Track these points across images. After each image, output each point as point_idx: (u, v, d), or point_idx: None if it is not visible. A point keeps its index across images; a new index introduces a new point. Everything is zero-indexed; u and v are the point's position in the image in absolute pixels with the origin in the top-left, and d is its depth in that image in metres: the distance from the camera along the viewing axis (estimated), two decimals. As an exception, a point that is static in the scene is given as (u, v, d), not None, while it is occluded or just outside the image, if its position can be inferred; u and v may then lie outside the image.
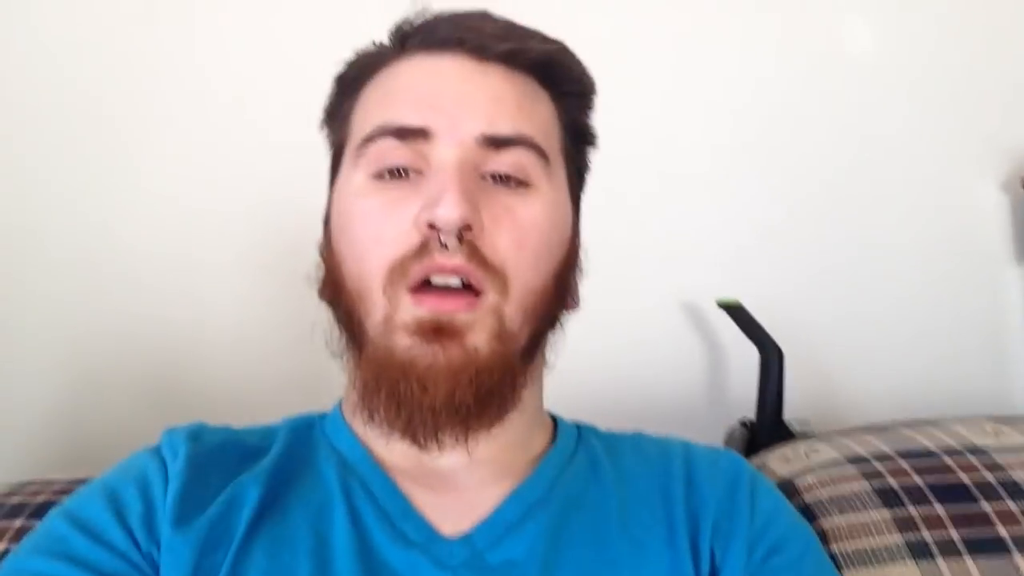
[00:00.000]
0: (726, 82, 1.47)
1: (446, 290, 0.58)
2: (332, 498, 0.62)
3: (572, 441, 0.70)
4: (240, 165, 1.37)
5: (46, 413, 1.32)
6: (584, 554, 0.61)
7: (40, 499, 0.84)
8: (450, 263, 0.57)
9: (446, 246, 0.57)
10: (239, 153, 1.37)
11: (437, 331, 0.57)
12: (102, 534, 0.57)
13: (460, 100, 0.61)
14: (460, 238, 0.57)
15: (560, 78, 0.66)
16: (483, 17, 0.65)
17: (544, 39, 0.66)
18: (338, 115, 0.69)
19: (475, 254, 0.58)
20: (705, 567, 0.62)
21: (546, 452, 0.68)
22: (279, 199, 1.35)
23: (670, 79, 1.44)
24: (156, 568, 0.57)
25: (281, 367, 1.34)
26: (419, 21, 0.65)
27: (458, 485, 0.63)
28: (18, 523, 0.81)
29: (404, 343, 0.58)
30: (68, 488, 0.85)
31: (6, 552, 0.77)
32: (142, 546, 0.57)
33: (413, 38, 0.64)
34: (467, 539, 0.61)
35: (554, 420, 0.73)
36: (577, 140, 0.69)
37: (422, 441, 0.60)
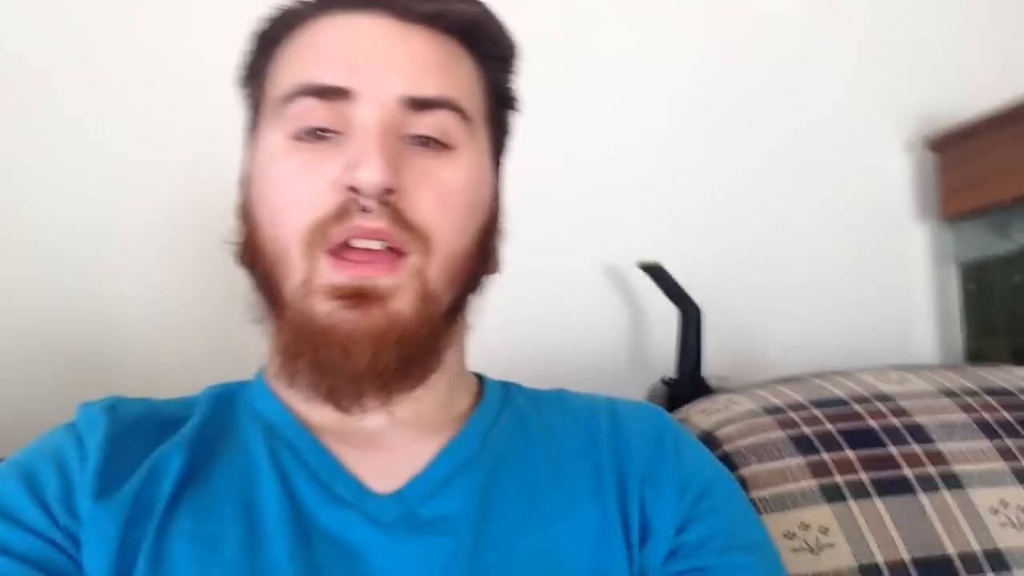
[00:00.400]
0: (652, 49, 1.49)
1: (367, 252, 0.57)
2: (258, 463, 0.61)
3: (498, 399, 0.71)
4: (156, 125, 1.33)
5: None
6: (515, 508, 0.62)
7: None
8: (371, 225, 0.57)
9: (367, 210, 0.56)
10: (155, 113, 1.33)
11: (358, 296, 0.57)
12: (17, 514, 0.55)
13: (382, 60, 0.60)
14: (382, 202, 0.57)
15: (483, 41, 0.66)
16: None
17: (468, 1, 0.65)
18: (256, 73, 0.66)
19: (397, 217, 0.57)
20: (635, 517, 0.63)
21: (473, 410, 0.69)
22: (195, 160, 1.32)
23: (598, 46, 1.45)
24: (77, 545, 0.55)
25: (197, 337, 1.31)
26: None
27: (385, 443, 0.63)
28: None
29: (324, 308, 0.57)
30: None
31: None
32: (60, 523, 0.55)
33: None
34: (399, 495, 0.61)
35: (480, 379, 0.74)
36: (500, 104, 0.69)
37: (345, 406, 0.60)
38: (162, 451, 0.60)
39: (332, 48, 0.61)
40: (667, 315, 1.34)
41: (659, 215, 1.46)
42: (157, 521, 0.56)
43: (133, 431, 0.61)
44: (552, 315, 1.39)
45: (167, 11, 1.35)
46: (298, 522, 0.58)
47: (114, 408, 0.63)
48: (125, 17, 1.34)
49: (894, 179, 1.55)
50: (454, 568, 0.58)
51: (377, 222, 0.57)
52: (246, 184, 0.66)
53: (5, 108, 1.30)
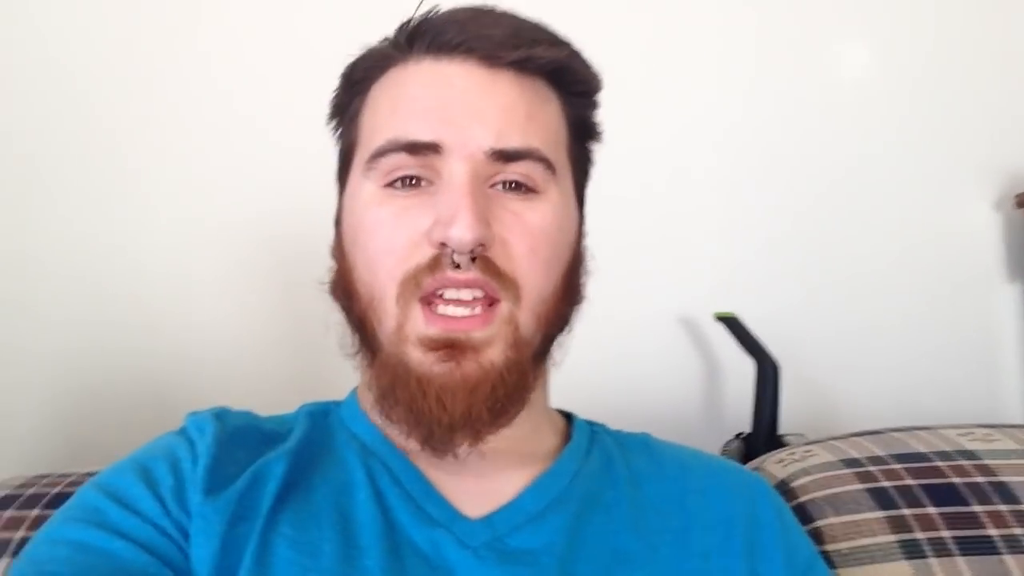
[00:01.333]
0: (731, 102, 1.50)
1: (459, 302, 0.59)
2: (354, 478, 0.64)
3: (586, 438, 0.72)
4: (238, 174, 1.40)
5: (44, 420, 1.33)
6: (600, 550, 0.63)
7: (56, 491, 0.85)
8: (463, 277, 0.59)
9: (459, 266, 0.58)
10: (237, 162, 1.40)
11: (451, 347, 0.59)
12: (134, 504, 0.59)
13: (470, 112, 0.61)
14: (473, 256, 0.59)
15: (568, 81, 0.67)
16: (492, 19, 0.65)
17: (553, 42, 0.66)
18: (346, 112, 0.69)
19: (488, 267, 0.59)
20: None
21: (562, 447, 0.70)
22: (277, 209, 1.38)
23: (676, 96, 1.47)
24: (186, 537, 0.58)
25: (274, 379, 1.35)
26: (427, 22, 0.65)
27: (474, 471, 0.64)
28: (35, 513, 0.83)
29: (418, 357, 0.59)
30: (82, 480, 0.86)
31: (24, 540, 0.79)
32: (173, 515, 0.58)
33: (421, 39, 0.64)
34: (488, 521, 0.63)
35: (568, 417, 0.75)
36: (582, 136, 0.70)
37: (440, 452, 0.62)
38: (266, 459, 0.63)
39: (420, 100, 0.62)
40: (742, 367, 1.33)
41: (737, 266, 1.46)
42: (261, 524, 0.59)
43: (238, 438, 0.65)
44: (626, 364, 1.39)
45: (240, 59, 1.42)
46: (391, 538, 0.60)
47: (221, 417, 0.66)
48: (200, 65, 1.41)
49: (983, 237, 1.52)
50: None
51: (468, 274, 0.59)
52: (340, 225, 0.68)
53: (101, 162, 1.38)
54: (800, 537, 0.70)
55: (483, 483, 0.65)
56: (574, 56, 0.67)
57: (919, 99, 1.53)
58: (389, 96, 0.65)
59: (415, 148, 0.61)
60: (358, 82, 0.68)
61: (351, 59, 0.69)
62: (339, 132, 0.71)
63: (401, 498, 0.63)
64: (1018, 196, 1.48)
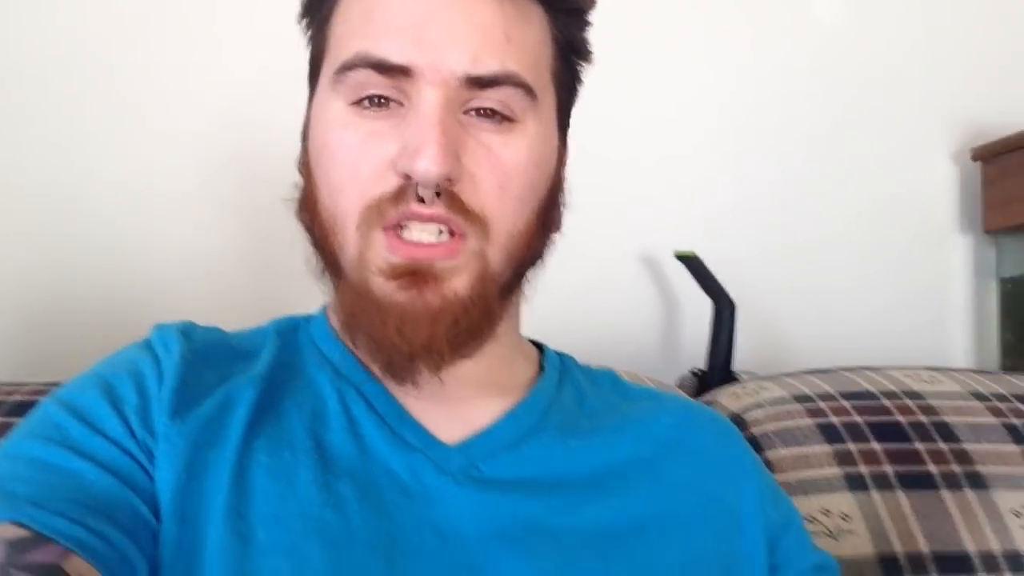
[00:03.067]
0: (699, 48, 1.50)
1: (421, 244, 0.58)
2: (326, 403, 0.63)
3: (557, 370, 0.71)
4: (205, 87, 1.37)
5: (4, 330, 1.32)
6: (576, 479, 0.63)
7: (14, 399, 0.85)
8: (427, 211, 0.57)
9: (423, 200, 0.56)
10: (205, 74, 1.37)
11: (413, 275, 0.57)
12: (98, 423, 0.57)
13: (445, 31, 0.58)
14: (438, 191, 0.57)
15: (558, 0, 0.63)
16: None
17: None
18: (317, 12, 0.66)
19: (454, 202, 0.57)
20: (714, 507, 0.65)
21: (535, 377, 0.70)
22: (245, 123, 1.35)
23: (652, 41, 1.46)
24: (151, 458, 0.57)
25: (239, 298, 1.35)
26: None
27: (447, 397, 0.64)
28: (-6, 420, 0.82)
29: (379, 285, 0.58)
30: (41, 390, 0.86)
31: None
32: (138, 436, 0.57)
33: None
34: (463, 448, 0.62)
35: (540, 348, 0.75)
36: (569, 56, 0.67)
37: (399, 379, 0.61)
38: (235, 383, 0.61)
39: (394, 14, 0.59)
40: (700, 307, 1.35)
41: (698, 207, 1.47)
42: (234, 452, 0.57)
43: (206, 356, 0.63)
44: (586, 300, 1.40)
45: None
46: (366, 463, 0.60)
47: (188, 333, 0.65)
48: None
49: (938, 188, 1.55)
50: (517, 527, 0.59)
51: (433, 208, 0.57)
52: (306, 139, 0.66)
53: (48, 83, 1.34)
54: (766, 475, 0.72)
55: (457, 409, 0.64)
56: None
57: (883, 51, 1.54)
58: (361, 3, 0.61)
59: (384, 68, 0.58)
60: None
61: None
62: (309, 33, 0.67)
63: (375, 424, 0.62)
64: (974, 149, 1.51)
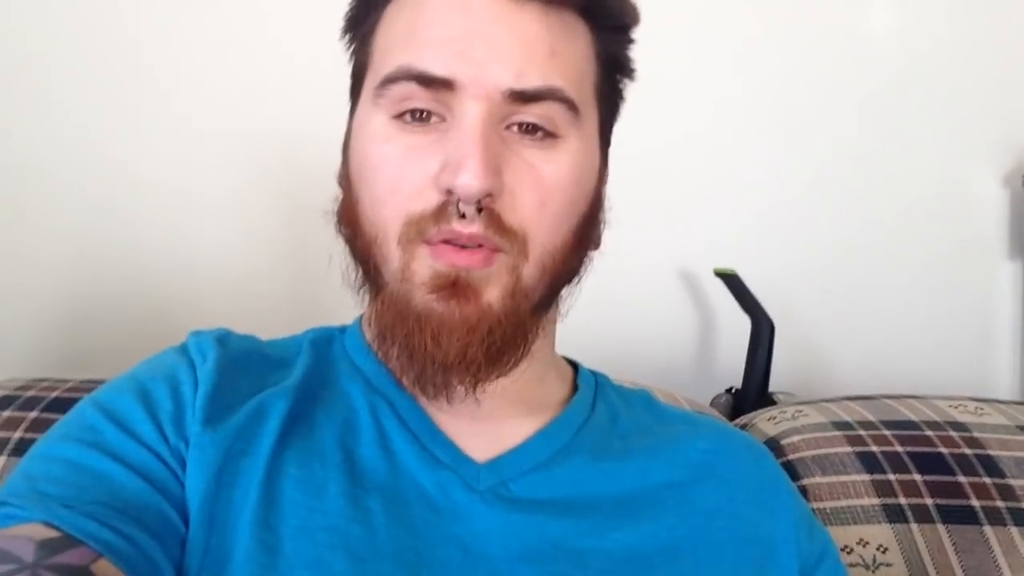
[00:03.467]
0: (743, 59, 1.48)
1: (462, 248, 0.57)
2: (358, 415, 0.63)
3: (591, 389, 0.71)
4: (251, 92, 1.38)
5: (40, 327, 1.34)
6: (605, 504, 0.62)
7: (54, 395, 0.86)
8: (467, 231, 0.56)
9: (464, 216, 0.56)
10: (251, 79, 1.38)
11: (454, 286, 0.57)
12: (132, 427, 0.58)
13: (489, 45, 0.57)
14: (479, 207, 0.56)
15: (602, 15, 0.63)
16: None
17: None
18: (360, 28, 0.66)
19: (493, 220, 0.57)
20: (743, 534, 0.64)
21: (569, 396, 0.69)
22: (288, 130, 1.36)
23: (689, 54, 1.45)
24: (183, 464, 0.57)
25: (278, 302, 1.36)
26: None
27: (479, 414, 0.64)
28: (33, 415, 0.84)
29: (420, 295, 0.58)
30: (80, 387, 0.87)
31: (21, 440, 0.80)
32: (171, 442, 0.57)
33: None
34: (493, 466, 0.62)
35: (574, 366, 0.74)
36: (613, 73, 0.67)
37: (432, 393, 0.61)
38: (269, 394, 0.61)
39: (437, 29, 0.59)
40: (738, 324, 1.33)
41: (738, 225, 1.46)
42: (265, 462, 0.58)
43: (241, 365, 0.63)
44: (624, 312, 1.40)
45: None
46: (395, 479, 0.60)
47: (224, 340, 0.65)
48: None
49: (988, 212, 1.51)
50: (544, 548, 0.59)
51: (472, 227, 0.56)
52: (347, 152, 0.66)
53: (99, 84, 1.36)
54: (802, 502, 0.70)
55: (488, 427, 0.64)
56: None
57: (936, 69, 1.51)
58: (405, 18, 0.61)
59: (427, 81, 0.57)
60: None
61: None
62: (352, 48, 0.67)
63: (407, 439, 0.62)
64: (1025, 173, 1.48)
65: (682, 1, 1.44)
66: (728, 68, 1.48)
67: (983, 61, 1.52)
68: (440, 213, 0.57)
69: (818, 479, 0.85)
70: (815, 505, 0.83)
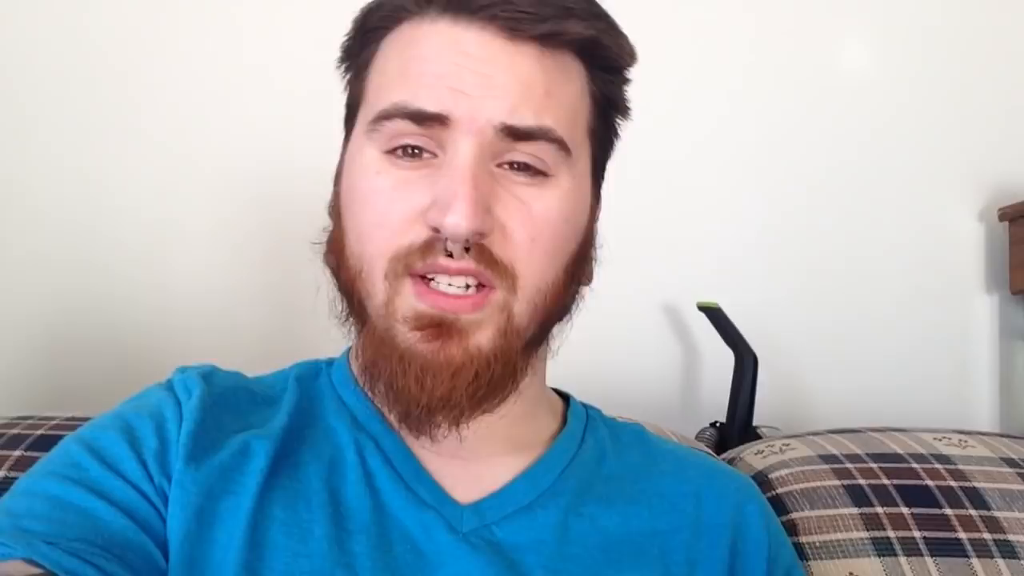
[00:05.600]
0: (723, 98, 1.50)
1: (449, 295, 0.57)
2: (344, 454, 0.62)
3: (581, 425, 0.70)
4: (238, 121, 1.38)
5: (21, 361, 1.32)
6: (591, 547, 0.62)
7: (38, 432, 0.85)
8: (455, 265, 0.56)
9: (451, 255, 0.56)
10: (238, 109, 1.38)
11: (438, 327, 0.57)
12: (116, 464, 0.57)
13: (483, 83, 0.57)
14: (467, 246, 0.56)
15: (598, 57, 0.63)
16: None
17: (585, 15, 0.60)
18: (356, 60, 0.66)
19: (483, 255, 0.57)
20: None
21: (558, 431, 0.69)
22: (275, 161, 1.36)
23: (668, 89, 1.46)
24: (166, 501, 0.57)
25: (256, 335, 1.35)
26: None
27: (464, 454, 0.63)
28: (17, 453, 0.82)
29: (404, 333, 0.57)
30: (66, 424, 0.86)
31: (4, 479, 0.79)
32: (155, 479, 0.57)
33: None
34: (477, 508, 0.62)
35: (566, 400, 0.74)
36: (608, 112, 0.67)
37: (415, 431, 0.61)
38: (254, 434, 0.61)
39: (432, 64, 0.58)
40: (721, 358, 1.34)
41: (721, 259, 1.47)
42: (251, 504, 0.57)
43: (226, 402, 0.63)
44: (608, 347, 1.40)
45: (235, 23, 1.40)
46: (380, 521, 0.59)
47: (209, 377, 0.65)
48: (196, 29, 1.40)
49: (965, 247, 1.54)
50: None
51: (461, 263, 0.56)
52: (339, 183, 0.65)
53: (83, 112, 1.36)
54: (784, 545, 0.70)
55: (473, 467, 0.64)
56: (606, 33, 0.62)
57: (913, 104, 1.55)
58: (400, 55, 0.61)
59: (420, 118, 0.57)
60: (370, 31, 0.64)
61: (365, 5, 0.65)
62: (347, 78, 0.68)
63: (392, 479, 0.61)
64: (1001, 209, 1.50)
65: (665, 40, 1.46)
66: (709, 106, 1.50)
67: (957, 98, 1.55)
68: (427, 249, 0.57)
69: (807, 513, 0.85)
70: (804, 539, 0.83)
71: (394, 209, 0.58)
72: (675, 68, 1.48)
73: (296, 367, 0.70)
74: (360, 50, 0.65)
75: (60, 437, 0.61)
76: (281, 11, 1.40)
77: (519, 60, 0.58)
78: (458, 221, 0.54)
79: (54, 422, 0.87)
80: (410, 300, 0.57)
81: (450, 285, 0.57)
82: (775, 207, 1.49)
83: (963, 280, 1.53)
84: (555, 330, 0.65)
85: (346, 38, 0.67)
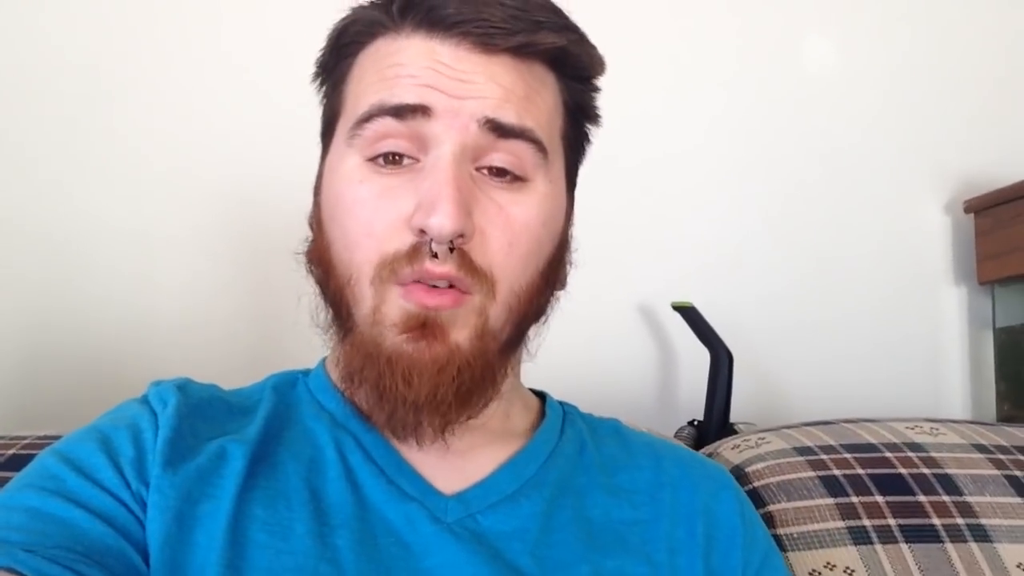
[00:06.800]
0: (699, 99, 1.52)
1: (433, 288, 0.58)
2: (323, 453, 0.63)
3: (559, 419, 0.72)
4: (212, 132, 1.38)
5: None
6: (573, 535, 0.63)
7: (10, 452, 0.84)
8: (439, 270, 0.57)
9: (436, 256, 0.57)
10: (212, 120, 1.38)
11: (423, 327, 0.58)
12: (94, 473, 0.57)
13: (463, 87, 0.59)
14: (451, 247, 0.57)
15: (569, 67, 0.65)
16: None
17: (556, 27, 0.62)
18: (331, 75, 0.67)
19: (464, 261, 0.58)
20: (695, 569, 0.64)
21: (535, 427, 0.70)
22: (250, 173, 1.36)
23: (642, 92, 1.48)
24: (144, 508, 0.57)
25: (233, 346, 1.34)
26: None
27: (446, 447, 0.64)
28: (-11, 472, 0.81)
29: (390, 337, 0.58)
30: (37, 443, 0.85)
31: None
32: (132, 486, 0.57)
33: (415, 11, 0.60)
34: (461, 498, 0.62)
35: (542, 397, 0.75)
36: (579, 119, 0.69)
37: (402, 434, 0.61)
38: (230, 439, 0.61)
39: (410, 71, 0.60)
40: (697, 357, 1.35)
41: (693, 258, 1.48)
42: (230, 506, 0.58)
43: (201, 411, 0.64)
44: (584, 349, 1.40)
45: (212, 31, 1.40)
46: (362, 515, 0.60)
47: (184, 388, 0.65)
48: (171, 36, 1.39)
49: (932, 239, 1.56)
50: None
51: (444, 267, 0.57)
52: (319, 195, 0.66)
53: (54, 121, 1.35)
54: (759, 530, 0.71)
55: (455, 460, 0.64)
56: (576, 43, 0.64)
57: (876, 101, 1.57)
58: (376, 64, 0.62)
59: (402, 111, 0.58)
60: (345, 46, 0.65)
61: (340, 19, 0.66)
62: (323, 92, 0.69)
63: (373, 474, 0.62)
64: (967, 201, 1.53)
65: (636, 48, 1.48)
66: (682, 107, 1.51)
67: (922, 93, 1.58)
68: (414, 254, 0.58)
69: (784, 504, 0.86)
70: (782, 530, 0.84)
71: (379, 217, 0.59)
72: (650, 72, 1.49)
73: (272, 377, 0.71)
74: (336, 64, 0.66)
75: (32, 457, 0.61)
76: (261, 19, 1.40)
77: (495, 69, 0.60)
78: (443, 222, 0.56)
79: (26, 441, 0.86)
80: (397, 302, 0.58)
81: (433, 287, 0.58)
82: (744, 206, 1.51)
83: (931, 272, 1.56)
84: (531, 333, 0.67)
85: (321, 53, 0.68)
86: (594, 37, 0.66)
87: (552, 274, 0.65)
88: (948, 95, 1.58)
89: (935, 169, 1.57)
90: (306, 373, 0.71)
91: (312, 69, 0.69)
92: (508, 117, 0.59)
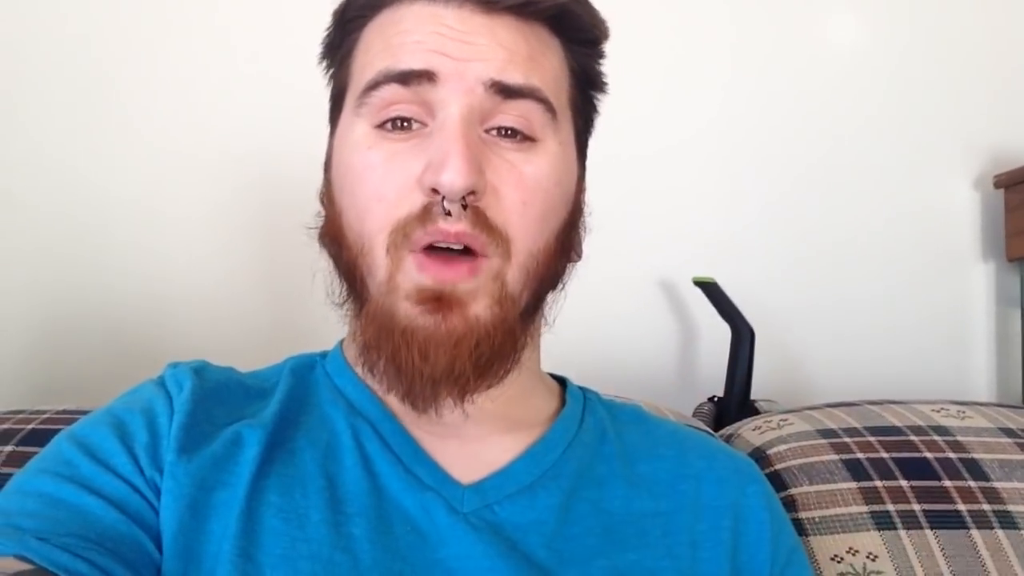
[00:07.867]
0: (716, 72, 1.49)
1: (448, 254, 0.57)
2: (340, 439, 0.62)
3: (580, 406, 0.70)
4: (226, 111, 1.37)
5: (14, 355, 1.31)
6: (591, 528, 0.62)
7: (31, 426, 0.84)
8: (453, 229, 0.56)
9: (449, 213, 0.56)
10: (226, 98, 1.37)
11: (439, 300, 0.57)
12: (108, 460, 0.57)
13: (467, 49, 0.58)
14: (464, 204, 0.56)
15: (571, 27, 0.64)
16: None
17: None
18: (338, 52, 0.66)
19: (478, 218, 0.57)
20: (721, 564, 0.63)
21: (556, 413, 0.69)
22: (265, 150, 1.35)
23: (662, 67, 1.46)
24: (158, 494, 0.57)
25: (249, 325, 1.34)
26: None
27: (462, 434, 0.63)
28: (8, 448, 0.82)
29: (406, 310, 0.57)
30: (57, 418, 0.86)
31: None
32: (146, 473, 0.57)
33: None
34: (478, 488, 0.61)
35: (562, 383, 0.73)
36: (586, 87, 0.68)
37: (421, 407, 0.60)
38: (246, 424, 0.61)
39: (415, 35, 0.59)
40: (718, 332, 1.34)
41: (716, 233, 1.47)
42: (244, 492, 0.57)
43: (218, 394, 0.63)
44: (605, 323, 1.40)
45: (225, 10, 1.39)
46: (378, 504, 0.59)
47: (201, 371, 0.65)
48: (186, 18, 1.38)
49: (961, 215, 1.53)
50: (529, 573, 0.58)
51: (459, 225, 0.56)
52: (329, 170, 0.66)
53: (68, 104, 1.34)
54: (786, 526, 0.70)
55: (472, 448, 0.63)
56: (578, 2, 0.64)
57: (904, 75, 1.53)
58: (381, 34, 0.62)
59: (408, 77, 0.58)
60: (350, 21, 0.65)
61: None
62: (330, 72, 0.68)
63: (390, 462, 0.61)
64: (996, 176, 1.50)
65: (660, 17, 1.45)
66: (705, 81, 1.49)
67: (948, 68, 1.54)
68: (426, 214, 0.57)
69: (806, 488, 0.85)
70: (804, 514, 0.83)
71: (389, 181, 0.58)
72: (672, 44, 1.47)
73: (290, 360, 0.70)
74: (341, 41, 0.66)
75: (52, 431, 0.61)
76: (271, 0, 1.39)
77: (499, 31, 0.60)
78: (453, 177, 0.55)
79: (45, 416, 0.86)
80: (411, 274, 0.57)
81: (448, 249, 0.57)
82: (770, 182, 1.49)
83: (959, 249, 1.53)
84: (549, 300, 0.66)
85: (327, 31, 0.68)
86: (602, 5, 0.66)
87: (567, 239, 0.64)
88: (977, 68, 1.55)
89: (964, 143, 1.53)
90: (324, 355, 0.70)
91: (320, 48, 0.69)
92: (513, 78, 0.59)
